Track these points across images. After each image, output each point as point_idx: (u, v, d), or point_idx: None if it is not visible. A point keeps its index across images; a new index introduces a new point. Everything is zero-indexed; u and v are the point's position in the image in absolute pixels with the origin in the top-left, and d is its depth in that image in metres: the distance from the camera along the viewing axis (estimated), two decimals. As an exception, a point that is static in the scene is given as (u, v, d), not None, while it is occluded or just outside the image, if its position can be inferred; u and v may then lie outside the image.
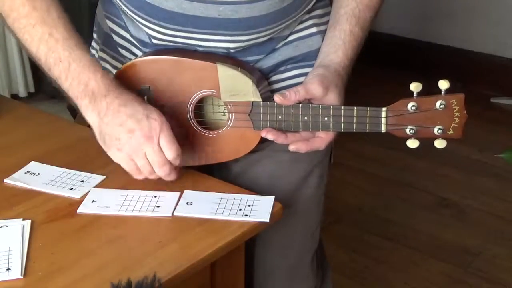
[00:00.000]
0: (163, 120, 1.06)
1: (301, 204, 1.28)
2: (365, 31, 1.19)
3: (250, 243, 1.18)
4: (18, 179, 1.16)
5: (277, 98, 1.10)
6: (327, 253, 1.47)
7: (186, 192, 1.13)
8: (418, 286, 2.24)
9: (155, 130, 1.06)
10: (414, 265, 2.33)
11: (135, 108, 1.06)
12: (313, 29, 1.22)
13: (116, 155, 1.09)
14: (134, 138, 1.06)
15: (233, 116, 1.14)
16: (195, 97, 1.14)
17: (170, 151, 1.06)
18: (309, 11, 1.21)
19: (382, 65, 3.63)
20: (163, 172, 1.09)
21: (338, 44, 1.17)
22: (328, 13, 1.25)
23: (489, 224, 2.55)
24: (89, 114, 1.08)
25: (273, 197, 1.11)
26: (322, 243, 1.42)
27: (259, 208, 1.08)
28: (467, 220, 2.59)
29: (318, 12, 1.23)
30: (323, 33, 1.22)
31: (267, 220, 1.07)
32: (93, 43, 1.33)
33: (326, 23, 1.24)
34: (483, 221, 2.57)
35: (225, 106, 1.15)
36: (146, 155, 1.07)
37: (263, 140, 1.16)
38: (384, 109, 1.08)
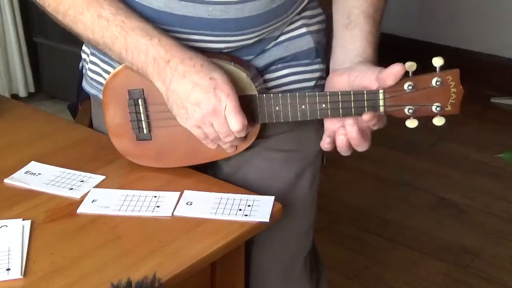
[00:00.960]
0: (229, 91, 1.04)
1: (294, 204, 1.28)
2: (378, 33, 1.19)
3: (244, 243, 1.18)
4: (18, 179, 1.16)
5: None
6: (327, 253, 1.47)
7: (186, 192, 1.13)
8: (418, 286, 2.24)
9: (221, 104, 1.04)
10: (413, 265, 2.33)
11: (201, 78, 1.04)
12: (303, 29, 1.22)
13: (184, 123, 1.09)
14: (200, 110, 1.05)
15: None
16: None
17: (235, 123, 1.05)
18: (299, 12, 1.21)
19: (381, 64, 3.63)
20: (227, 141, 1.09)
21: (364, 44, 1.15)
22: (318, 15, 1.25)
23: (489, 224, 2.55)
24: (156, 82, 1.07)
25: (273, 197, 1.11)
26: (315, 246, 1.42)
27: (259, 208, 1.08)
28: (467, 220, 2.59)
29: (308, 13, 1.23)
30: (313, 33, 1.23)
31: (267, 220, 1.07)
32: (84, 48, 1.32)
33: (316, 23, 1.24)
34: (482, 221, 2.57)
35: None
36: (212, 125, 1.06)
37: (256, 137, 1.16)
38: (381, 90, 1.08)
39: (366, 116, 1.06)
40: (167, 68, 1.05)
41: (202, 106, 1.04)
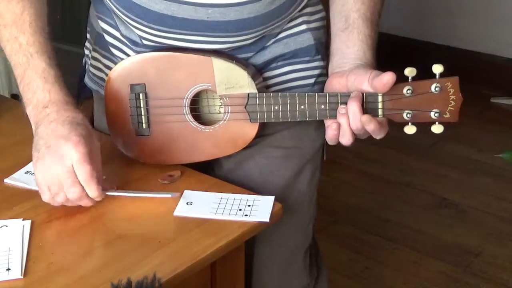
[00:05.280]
0: (81, 145, 1.02)
1: (293, 200, 1.28)
2: (376, 36, 1.18)
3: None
4: (18, 179, 1.16)
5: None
6: (327, 253, 1.47)
7: (186, 192, 1.13)
8: (418, 286, 2.24)
9: (69, 153, 1.02)
10: (413, 265, 2.33)
11: (63, 126, 1.04)
12: (303, 27, 1.22)
13: (34, 167, 1.06)
14: (49, 153, 1.03)
15: (230, 109, 1.13)
16: (190, 92, 1.14)
17: (83, 173, 1.02)
18: (299, 10, 1.21)
19: (381, 65, 3.62)
20: (72, 194, 1.04)
21: (363, 48, 1.15)
22: (318, 11, 1.25)
23: (489, 224, 2.55)
24: (31, 121, 1.10)
25: (273, 197, 1.11)
26: (317, 243, 1.42)
27: (259, 208, 1.08)
28: (467, 220, 2.59)
29: (308, 10, 1.23)
30: (313, 30, 1.22)
31: (267, 220, 1.07)
32: (87, 43, 1.33)
33: (316, 20, 1.24)
34: (483, 221, 2.57)
35: (221, 100, 1.15)
36: (57, 176, 1.03)
37: (255, 136, 1.16)
38: (380, 93, 1.08)
39: (364, 118, 1.06)
40: (43, 113, 1.07)
41: (51, 149, 1.03)
